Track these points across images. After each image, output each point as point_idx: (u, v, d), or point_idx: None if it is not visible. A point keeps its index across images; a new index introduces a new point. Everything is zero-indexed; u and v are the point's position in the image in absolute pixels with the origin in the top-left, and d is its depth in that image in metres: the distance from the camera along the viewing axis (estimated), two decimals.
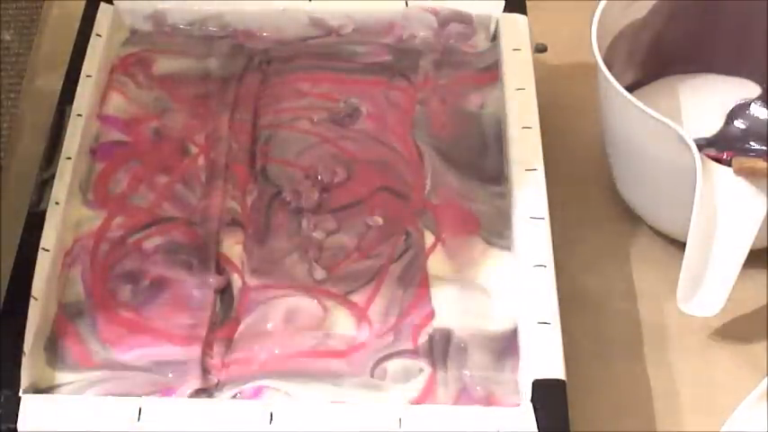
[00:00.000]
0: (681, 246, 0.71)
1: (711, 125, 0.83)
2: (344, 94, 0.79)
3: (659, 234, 0.79)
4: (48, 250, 0.68)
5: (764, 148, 0.81)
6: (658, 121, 0.71)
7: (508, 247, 0.70)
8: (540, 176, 0.72)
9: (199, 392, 0.64)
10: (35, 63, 0.90)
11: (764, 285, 0.76)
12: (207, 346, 0.66)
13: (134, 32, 0.83)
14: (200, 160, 0.75)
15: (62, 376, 0.64)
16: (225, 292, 0.69)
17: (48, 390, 0.63)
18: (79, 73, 0.77)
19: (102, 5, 0.81)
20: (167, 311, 0.67)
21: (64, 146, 0.73)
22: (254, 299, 0.68)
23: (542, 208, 0.70)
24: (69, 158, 0.72)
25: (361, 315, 0.68)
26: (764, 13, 0.81)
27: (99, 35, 0.79)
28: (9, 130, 0.85)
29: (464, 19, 0.82)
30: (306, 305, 0.68)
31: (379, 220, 0.72)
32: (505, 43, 0.79)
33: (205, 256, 0.70)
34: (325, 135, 0.77)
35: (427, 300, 0.68)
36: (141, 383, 0.64)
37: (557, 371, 0.63)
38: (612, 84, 0.74)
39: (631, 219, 0.80)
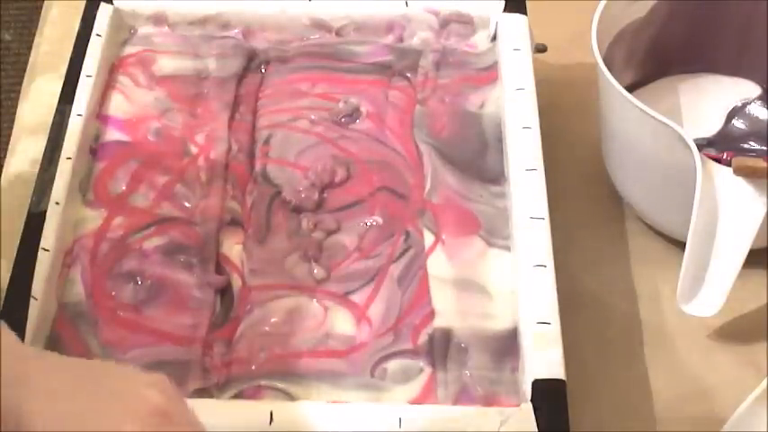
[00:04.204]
0: (681, 246, 0.71)
1: (711, 125, 0.83)
2: (344, 93, 0.79)
3: (659, 234, 0.79)
4: (48, 250, 0.68)
5: (764, 148, 0.81)
6: (658, 121, 0.71)
7: (508, 247, 0.70)
8: (540, 176, 0.72)
9: (199, 392, 0.64)
10: (35, 63, 0.90)
11: (764, 285, 0.76)
12: (207, 347, 0.66)
13: (134, 32, 0.83)
14: (200, 160, 0.75)
15: None
16: (225, 292, 0.69)
17: None
18: (79, 73, 0.77)
19: (102, 5, 0.81)
20: (167, 312, 0.67)
21: (64, 146, 0.73)
22: (254, 299, 0.68)
23: (542, 208, 0.70)
24: (69, 158, 0.72)
25: (361, 315, 0.68)
26: (764, 13, 0.81)
27: (99, 35, 0.79)
28: (9, 130, 0.85)
29: (464, 19, 0.82)
30: (306, 305, 0.68)
31: (379, 220, 0.72)
32: (505, 43, 0.79)
33: (205, 256, 0.70)
34: (325, 135, 0.77)
35: (427, 300, 0.68)
36: None
37: (557, 371, 0.63)
38: (612, 84, 0.74)
39: (631, 219, 0.80)
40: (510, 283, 0.68)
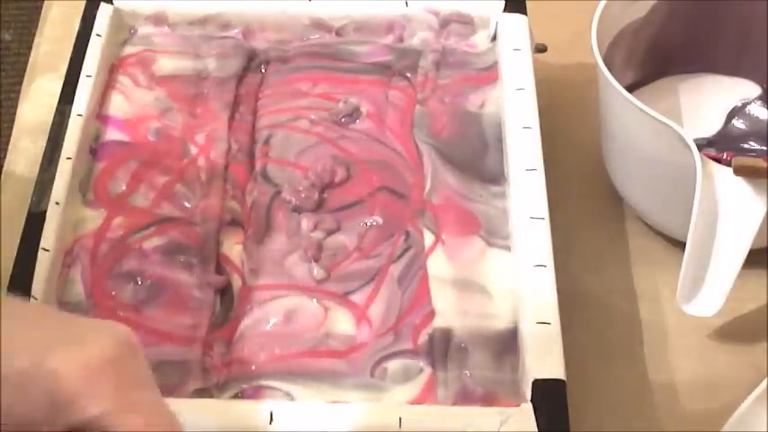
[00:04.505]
0: (681, 246, 0.71)
1: (711, 125, 0.83)
2: (344, 93, 0.79)
3: (659, 234, 0.79)
4: (48, 250, 0.68)
5: (764, 148, 0.81)
6: (658, 121, 0.71)
7: (508, 247, 0.70)
8: (540, 176, 0.72)
9: (199, 392, 0.64)
10: (35, 63, 0.90)
11: (764, 285, 0.76)
12: (207, 347, 0.66)
13: (134, 32, 0.83)
14: (201, 160, 0.75)
15: None
16: (225, 292, 0.69)
17: None
18: (79, 73, 0.77)
19: (102, 5, 0.81)
20: (167, 312, 0.67)
21: (64, 146, 0.73)
22: (254, 299, 0.68)
23: (542, 208, 0.70)
24: (69, 158, 0.72)
25: (361, 315, 0.68)
26: (764, 13, 0.81)
27: (99, 35, 0.79)
28: (9, 130, 0.85)
29: (464, 19, 0.82)
30: (306, 305, 0.68)
31: (379, 220, 0.72)
32: (505, 43, 0.79)
33: (205, 256, 0.70)
34: (325, 135, 0.77)
35: (427, 300, 0.68)
36: None
37: (557, 371, 0.63)
38: (612, 84, 0.74)
39: (631, 219, 0.80)
40: (510, 283, 0.68)
